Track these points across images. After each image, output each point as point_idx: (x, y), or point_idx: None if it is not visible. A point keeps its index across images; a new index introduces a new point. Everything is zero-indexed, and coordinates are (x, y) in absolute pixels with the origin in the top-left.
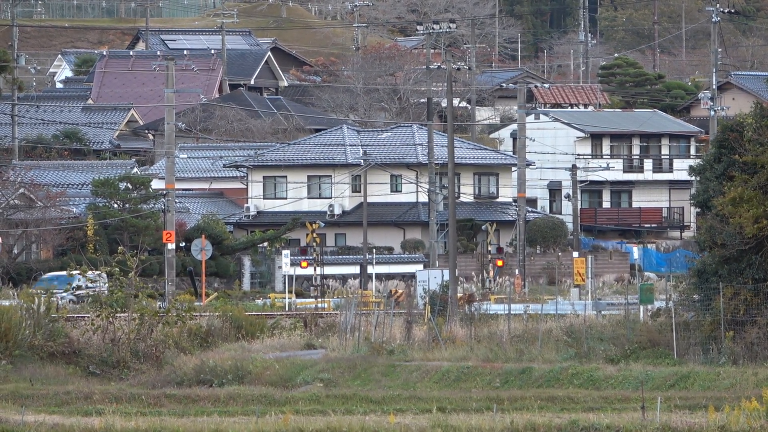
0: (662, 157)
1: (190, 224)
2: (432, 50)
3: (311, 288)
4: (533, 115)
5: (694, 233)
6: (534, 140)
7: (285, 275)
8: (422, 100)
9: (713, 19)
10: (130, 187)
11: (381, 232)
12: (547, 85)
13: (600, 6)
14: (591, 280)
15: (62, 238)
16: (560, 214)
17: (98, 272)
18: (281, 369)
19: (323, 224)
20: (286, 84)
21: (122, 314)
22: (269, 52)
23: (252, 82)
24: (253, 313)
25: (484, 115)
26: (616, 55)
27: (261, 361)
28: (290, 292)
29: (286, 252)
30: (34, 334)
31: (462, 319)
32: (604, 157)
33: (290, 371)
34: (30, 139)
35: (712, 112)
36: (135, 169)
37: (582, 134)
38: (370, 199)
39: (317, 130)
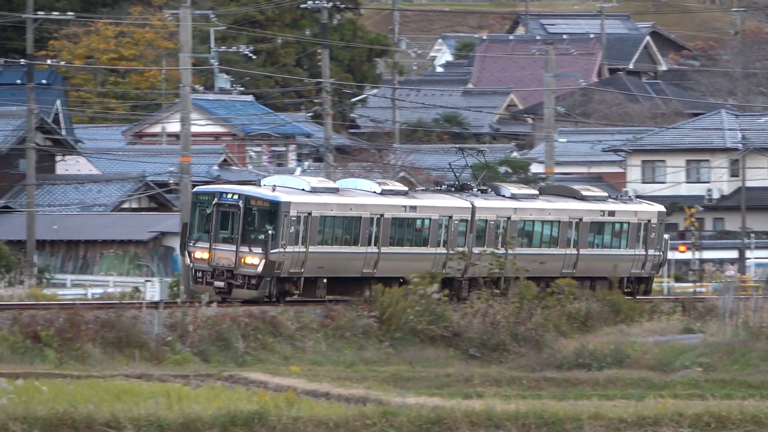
0: None
1: None
2: None
3: (689, 272)
4: None
5: None
6: None
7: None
8: None
9: None
10: (510, 171)
11: (759, 217)
12: None
13: None
14: None
15: None
16: None
17: None
18: (660, 353)
19: (701, 209)
20: (664, 68)
21: (501, 298)
22: (648, 37)
23: (630, 66)
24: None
25: None
26: None
27: (640, 345)
28: (668, 276)
29: (665, 236)
30: (418, 319)
31: None
32: None
33: (668, 355)
34: (410, 122)
35: None
36: (514, 153)
37: None
38: (748, 184)
39: (695, 114)
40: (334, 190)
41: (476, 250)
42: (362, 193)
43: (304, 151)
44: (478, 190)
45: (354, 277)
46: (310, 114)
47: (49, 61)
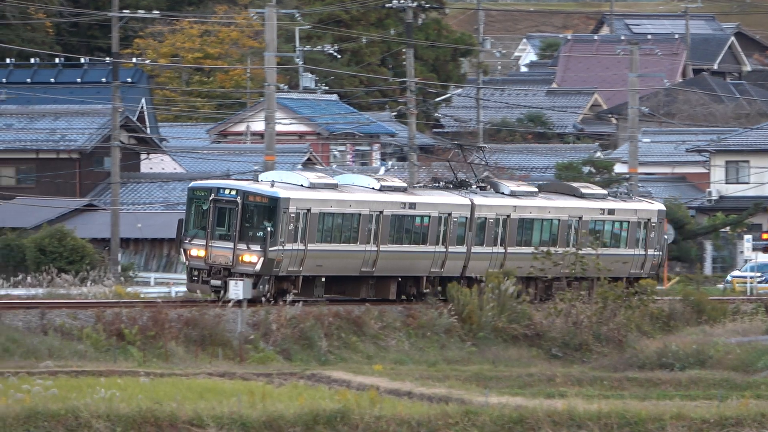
0: None
1: None
2: None
3: None
4: None
5: None
6: None
7: (746, 260)
8: None
9: None
10: (593, 170)
11: None
12: None
13: None
14: None
15: None
16: None
17: None
18: (742, 353)
19: None
20: (749, 69)
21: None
22: (732, 37)
23: (715, 66)
24: (714, 297)
25: None
26: None
27: (722, 346)
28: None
29: (747, 237)
30: (498, 317)
31: None
32: None
33: (751, 356)
34: (494, 122)
35: None
36: (598, 153)
37: None
38: None
39: None
40: (333, 186)
41: (477, 248)
42: (361, 189)
43: (388, 151)
44: (477, 187)
45: (352, 276)
46: (394, 113)
47: (134, 60)
